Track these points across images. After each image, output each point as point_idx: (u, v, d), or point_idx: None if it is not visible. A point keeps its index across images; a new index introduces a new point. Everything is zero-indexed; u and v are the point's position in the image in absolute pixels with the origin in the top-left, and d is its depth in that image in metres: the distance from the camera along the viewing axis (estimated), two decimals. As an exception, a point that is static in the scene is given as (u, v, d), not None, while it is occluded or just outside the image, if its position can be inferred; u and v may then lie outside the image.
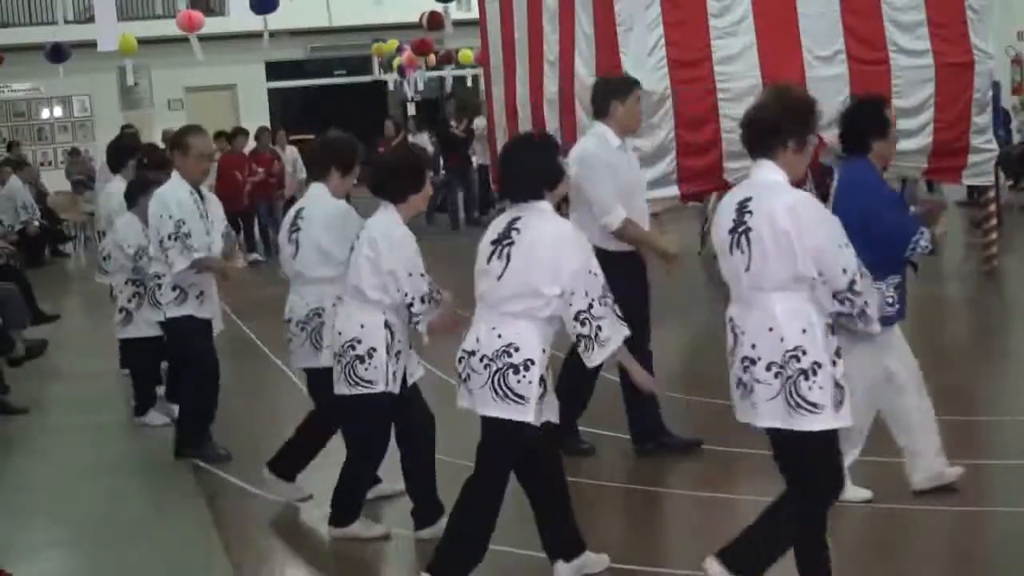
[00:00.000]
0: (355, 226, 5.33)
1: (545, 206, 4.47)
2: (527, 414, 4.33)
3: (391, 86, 23.33)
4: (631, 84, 6.36)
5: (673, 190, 9.64)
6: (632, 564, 4.83)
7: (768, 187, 4.02)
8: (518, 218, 4.44)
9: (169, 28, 19.47)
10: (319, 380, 5.62)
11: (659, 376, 6.32)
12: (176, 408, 7.35)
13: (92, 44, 17.80)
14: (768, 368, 3.95)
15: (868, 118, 5.33)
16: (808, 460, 4.05)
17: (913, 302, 5.47)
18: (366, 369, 5.00)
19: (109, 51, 17.60)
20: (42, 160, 23.34)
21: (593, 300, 4.32)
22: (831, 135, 9.75)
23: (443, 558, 4.47)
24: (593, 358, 4.39)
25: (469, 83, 22.23)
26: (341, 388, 5.10)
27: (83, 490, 6.58)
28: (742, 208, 4.01)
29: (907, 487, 5.38)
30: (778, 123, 4.03)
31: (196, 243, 6.41)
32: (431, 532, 5.09)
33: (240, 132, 16.84)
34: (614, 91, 6.16)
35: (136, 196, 7.45)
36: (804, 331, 3.93)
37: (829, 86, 9.66)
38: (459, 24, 18.90)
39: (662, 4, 9.47)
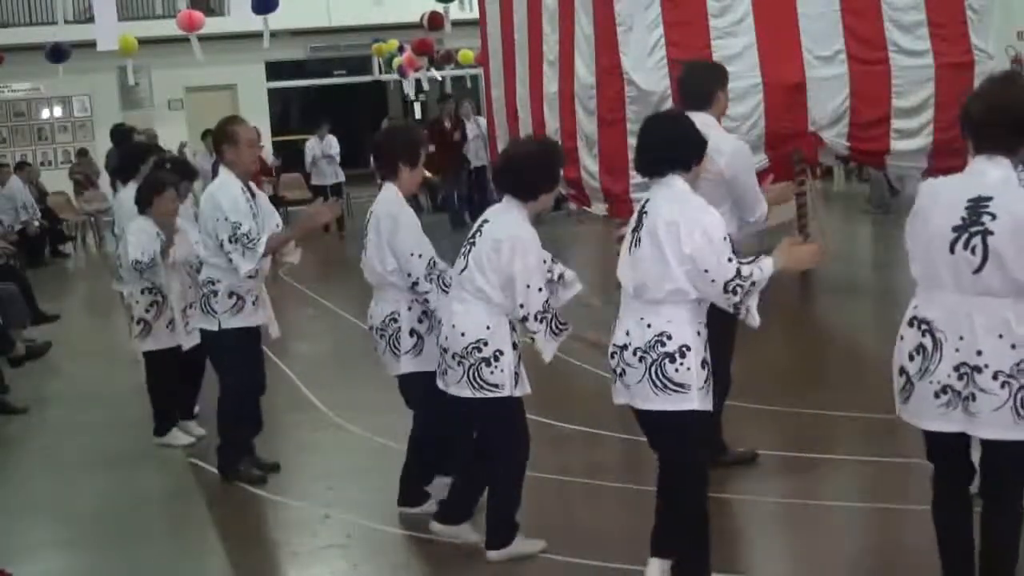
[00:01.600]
0: (411, 232, 5.27)
1: (677, 182, 4.31)
2: (691, 402, 4.23)
3: (405, 87, 23.31)
4: (726, 70, 6.16)
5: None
6: (633, 564, 4.82)
7: (1012, 189, 3.77)
8: (647, 201, 4.36)
9: (169, 28, 19.46)
10: (407, 385, 5.49)
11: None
12: (194, 424, 7.29)
13: (92, 44, 17.81)
14: (995, 377, 3.74)
15: None
16: (1019, 467, 3.89)
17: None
18: (492, 372, 4.78)
19: (109, 51, 17.60)
20: (42, 160, 23.35)
21: (740, 266, 4.16)
22: (831, 135, 9.83)
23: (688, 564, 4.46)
24: (754, 317, 4.20)
25: (469, 84, 22.22)
26: (463, 391, 4.85)
27: (83, 490, 6.58)
28: (978, 207, 3.74)
29: (907, 487, 5.37)
30: None
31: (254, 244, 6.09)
32: (450, 531, 5.14)
33: None
34: (718, 79, 5.88)
35: (150, 198, 7.15)
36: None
37: (829, 86, 9.67)
38: (459, 24, 18.90)
39: (662, 4, 9.46)
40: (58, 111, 24.13)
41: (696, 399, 4.23)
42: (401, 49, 21.83)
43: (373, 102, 25.33)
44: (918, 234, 3.91)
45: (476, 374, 4.79)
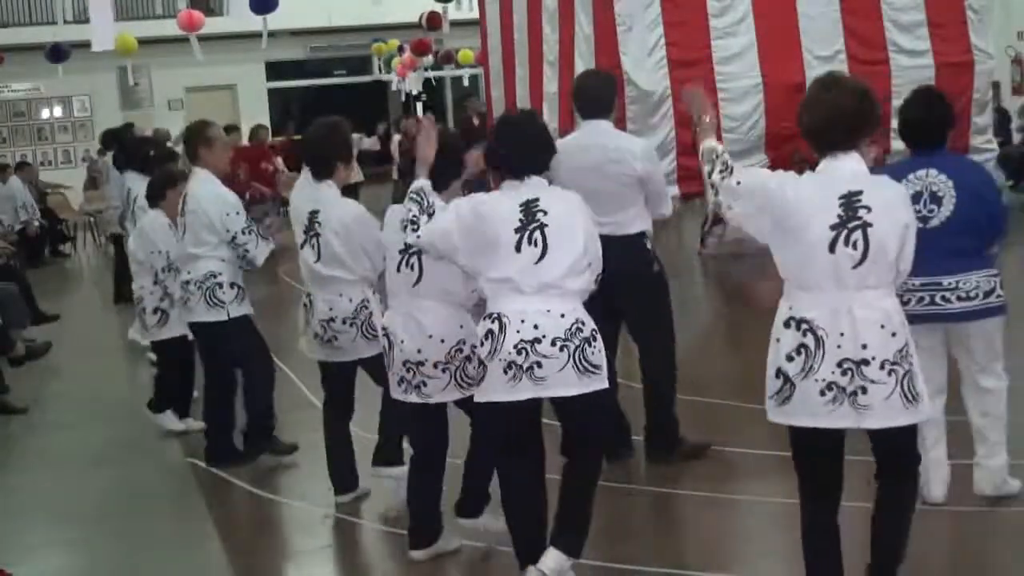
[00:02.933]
0: (375, 228, 5.39)
1: (544, 181, 4.54)
2: (604, 381, 4.41)
3: (394, 86, 23.33)
4: (616, 78, 6.45)
5: (673, 189, 9.64)
6: (633, 564, 4.83)
7: (874, 179, 3.94)
8: (535, 199, 4.41)
9: (169, 28, 19.48)
10: (375, 368, 5.50)
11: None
12: (192, 422, 7.33)
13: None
14: (882, 367, 3.83)
15: (948, 110, 5.33)
16: (911, 446, 4.08)
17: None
18: (475, 368, 4.68)
19: (110, 51, 17.59)
20: (42, 160, 23.36)
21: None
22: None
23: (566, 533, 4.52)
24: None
25: (467, 82, 22.24)
26: (453, 394, 4.91)
27: (83, 490, 6.59)
28: (851, 202, 3.86)
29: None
30: (866, 117, 3.98)
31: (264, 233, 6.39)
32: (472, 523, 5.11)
33: (232, 129, 16.46)
34: (615, 87, 6.19)
35: (163, 192, 7.27)
36: (903, 324, 3.90)
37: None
38: (459, 24, 18.90)
39: (662, 4, 9.47)
40: (58, 111, 24.14)
41: (605, 379, 4.43)
42: (401, 49, 21.85)
43: (373, 102, 25.31)
44: (788, 238, 3.94)
45: (463, 374, 4.82)
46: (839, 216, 3.86)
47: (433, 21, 19.34)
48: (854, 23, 9.69)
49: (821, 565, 4.19)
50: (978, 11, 9.80)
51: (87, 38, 17.85)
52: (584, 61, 10.03)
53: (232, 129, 16.46)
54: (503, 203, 4.45)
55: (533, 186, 4.48)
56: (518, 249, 4.36)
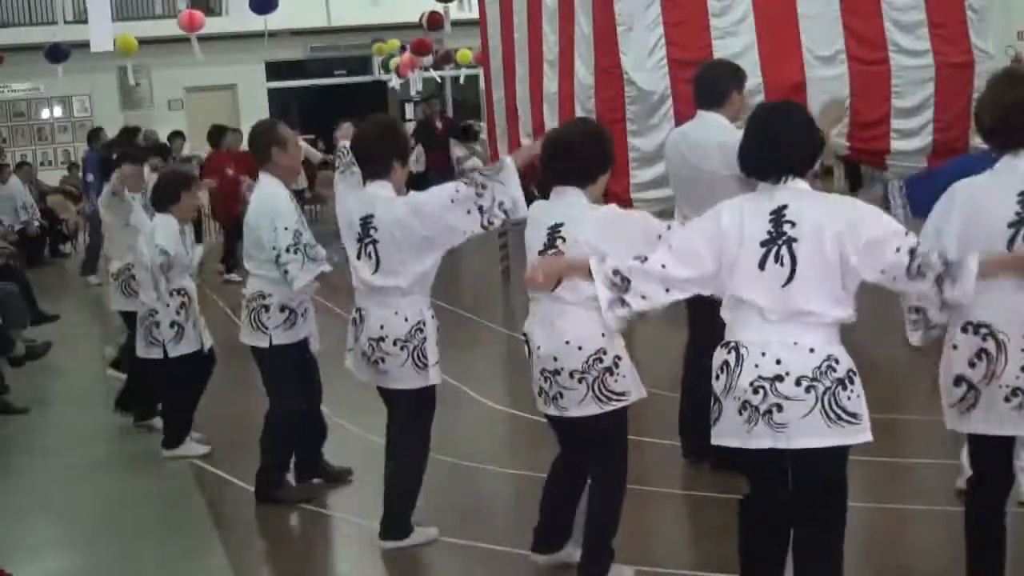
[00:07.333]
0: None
1: (804, 185, 3.81)
2: (865, 433, 3.68)
3: (396, 86, 23.29)
4: (744, 72, 6.20)
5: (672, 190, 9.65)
6: (632, 564, 4.82)
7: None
8: (783, 207, 3.72)
9: (169, 28, 19.47)
10: (424, 399, 5.15)
11: (659, 376, 6.32)
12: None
13: (91, 44, 17.83)
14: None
15: None
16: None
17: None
18: (616, 381, 4.41)
19: (110, 51, 17.60)
20: (42, 160, 23.36)
21: (914, 250, 3.60)
22: (831, 135, 9.80)
23: None
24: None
25: (463, 82, 22.23)
26: (591, 408, 4.44)
27: (83, 490, 6.59)
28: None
29: (906, 487, 5.36)
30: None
31: (315, 253, 5.72)
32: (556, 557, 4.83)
33: (233, 131, 15.16)
34: (734, 78, 6.03)
35: (176, 194, 6.82)
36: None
37: (829, 86, 9.68)
38: (459, 24, 18.90)
39: (662, 4, 9.46)
40: (58, 111, 24.13)
41: (868, 430, 3.71)
42: (401, 49, 21.85)
43: (373, 102, 25.31)
44: (964, 238, 3.74)
45: (602, 387, 4.42)
46: (1016, 213, 3.68)
47: (434, 21, 19.32)
48: (854, 23, 9.68)
49: (982, 546, 4.02)
50: (978, 11, 9.80)
51: (87, 38, 17.86)
52: (584, 61, 10.03)
53: (232, 131, 15.63)
54: (748, 210, 3.80)
55: (790, 191, 3.78)
56: (762, 267, 3.71)
